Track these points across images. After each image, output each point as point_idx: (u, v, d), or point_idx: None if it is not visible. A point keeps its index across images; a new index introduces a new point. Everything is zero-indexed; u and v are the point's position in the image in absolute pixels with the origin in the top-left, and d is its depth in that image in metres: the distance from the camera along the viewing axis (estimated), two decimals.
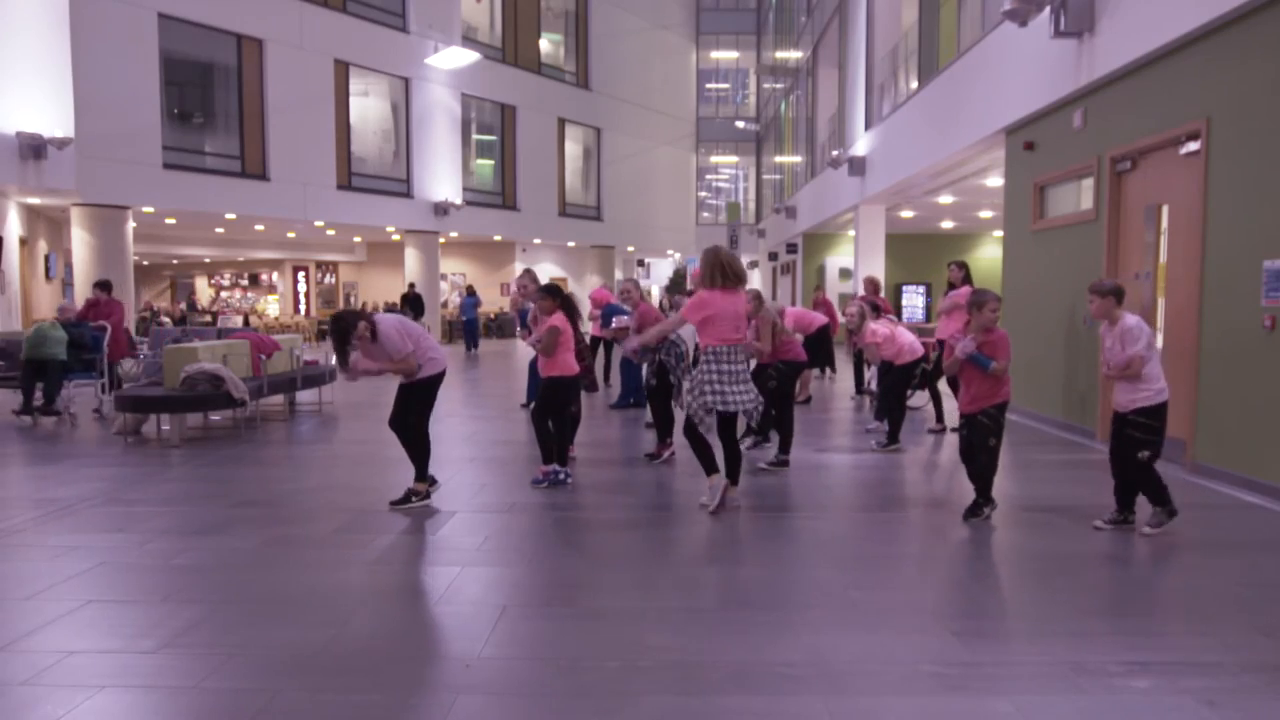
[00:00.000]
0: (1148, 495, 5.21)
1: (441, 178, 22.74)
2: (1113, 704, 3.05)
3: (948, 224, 21.29)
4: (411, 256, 22.88)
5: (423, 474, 5.90)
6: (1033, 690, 3.15)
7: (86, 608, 3.98)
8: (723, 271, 5.61)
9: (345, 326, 5.47)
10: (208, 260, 32.01)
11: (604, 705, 3.06)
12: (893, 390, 8.20)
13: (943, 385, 9.15)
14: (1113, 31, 7.66)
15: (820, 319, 11.28)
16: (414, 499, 5.82)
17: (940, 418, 9.14)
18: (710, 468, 5.68)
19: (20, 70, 13.72)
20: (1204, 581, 4.37)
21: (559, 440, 6.52)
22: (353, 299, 29.52)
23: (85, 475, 6.86)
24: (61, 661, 3.40)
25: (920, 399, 10.29)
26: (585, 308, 11.63)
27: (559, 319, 6.36)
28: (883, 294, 9.87)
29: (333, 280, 31.28)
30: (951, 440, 8.49)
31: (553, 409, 6.43)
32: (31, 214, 17.09)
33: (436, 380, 5.88)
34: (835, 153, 18.62)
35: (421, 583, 4.37)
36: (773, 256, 29.96)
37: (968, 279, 9.48)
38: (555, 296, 6.50)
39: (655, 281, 39.66)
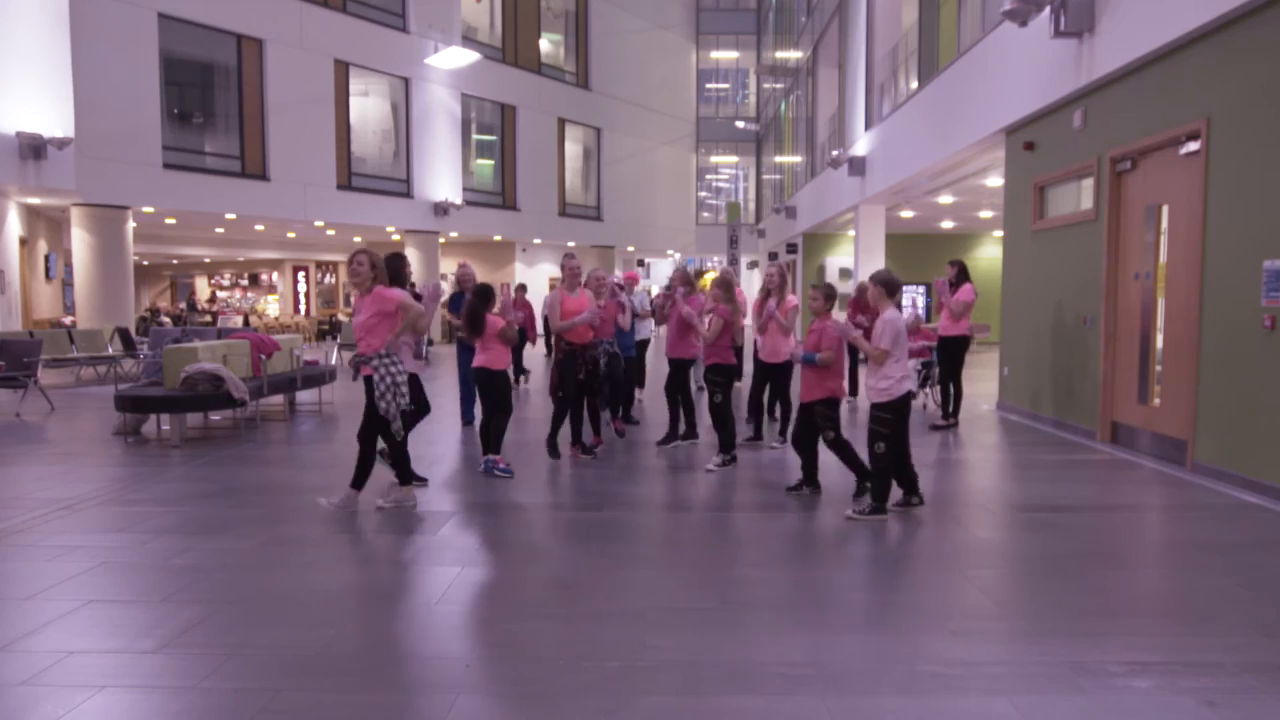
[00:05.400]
0: (872, 485, 5.55)
1: (441, 178, 22.73)
2: (1113, 704, 3.05)
3: (948, 224, 21.29)
4: (412, 256, 22.86)
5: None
6: (1033, 690, 3.15)
7: (86, 608, 3.98)
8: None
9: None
10: (208, 260, 32.05)
11: (604, 705, 3.06)
12: (778, 395, 8.24)
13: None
14: (1113, 31, 7.66)
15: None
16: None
17: (947, 414, 9.19)
18: (408, 476, 5.91)
19: (20, 70, 13.71)
20: (1204, 581, 4.37)
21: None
22: (352, 298, 29.52)
23: (85, 475, 6.86)
24: (61, 661, 3.40)
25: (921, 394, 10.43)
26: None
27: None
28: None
29: (333, 280, 31.30)
30: (959, 440, 8.50)
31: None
32: (31, 214, 17.09)
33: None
34: (835, 153, 18.62)
35: (421, 583, 4.37)
36: (773, 256, 29.94)
37: (963, 275, 9.32)
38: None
39: (655, 281, 39.64)
